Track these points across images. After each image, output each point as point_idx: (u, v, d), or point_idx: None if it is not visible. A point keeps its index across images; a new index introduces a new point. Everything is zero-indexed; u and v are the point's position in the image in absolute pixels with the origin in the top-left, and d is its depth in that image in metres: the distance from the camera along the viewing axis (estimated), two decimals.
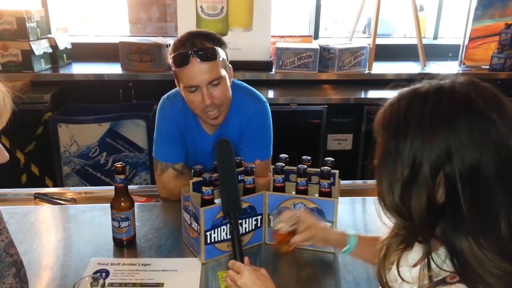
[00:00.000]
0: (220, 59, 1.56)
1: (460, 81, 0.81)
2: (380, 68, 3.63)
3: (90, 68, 3.41)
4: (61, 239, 1.49)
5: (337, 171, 1.43)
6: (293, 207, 1.42)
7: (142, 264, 1.36)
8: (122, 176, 1.39)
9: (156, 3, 5.05)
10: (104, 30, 4.28)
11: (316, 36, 4.01)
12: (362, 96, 3.42)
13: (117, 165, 1.38)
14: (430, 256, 0.80)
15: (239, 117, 1.71)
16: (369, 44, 3.55)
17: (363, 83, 3.57)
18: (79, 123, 3.06)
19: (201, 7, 3.37)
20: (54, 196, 1.72)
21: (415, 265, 0.88)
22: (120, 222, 1.42)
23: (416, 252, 0.90)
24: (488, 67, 3.65)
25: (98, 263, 1.36)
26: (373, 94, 3.45)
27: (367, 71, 3.56)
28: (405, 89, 0.85)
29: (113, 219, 1.42)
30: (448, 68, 3.78)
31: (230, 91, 1.64)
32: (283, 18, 4.15)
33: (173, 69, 1.59)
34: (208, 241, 1.36)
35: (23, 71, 3.15)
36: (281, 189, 1.43)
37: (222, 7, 3.37)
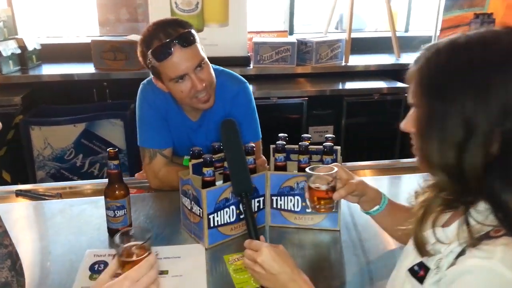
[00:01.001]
0: (198, 41, 1.52)
1: (497, 28, 0.76)
2: (356, 60, 3.66)
3: (61, 69, 3.27)
4: (50, 234, 1.39)
5: (339, 147, 1.40)
6: (297, 186, 1.38)
7: None
8: (115, 162, 1.31)
9: (125, 4, 4.95)
10: (74, 32, 4.14)
11: (291, 32, 4.01)
12: (342, 87, 3.44)
13: (110, 150, 1.30)
14: (468, 213, 0.77)
15: (222, 101, 1.67)
16: (345, 38, 3.57)
17: (340, 75, 3.59)
18: (52, 124, 2.93)
19: (175, 2, 3.30)
20: (38, 192, 1.61)
21: (445, 225, 0.85)
22: (116, 211, 1.33)
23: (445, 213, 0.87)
24: None
25: (94, 255, 1.27)
26: (351, 85, 3.47)
27: (343, 64, 3.58)
28: (438, 43, 0.78)
29: (107, 208, 1.34)
30: None
31: (213, 72, 1.60)
32: (257, 15, 4.13)
33: (152, 65, 1.50)
34: (211, 225, 1.30)
35: None
36: (283, 168, 1.39)
37: (197, 3, 3.31)
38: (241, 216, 1.35)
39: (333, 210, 1.20)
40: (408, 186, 1.75)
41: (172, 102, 1.65)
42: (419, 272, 0.85)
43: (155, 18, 3.24)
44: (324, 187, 1.15)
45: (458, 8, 3.79)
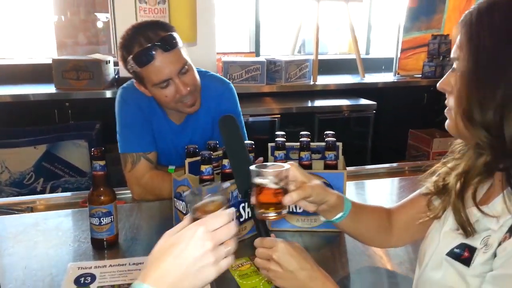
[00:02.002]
0: (181, 44, 1.46)
1: None
2: (323, 80, 3.70)
3: (19, 90, 3.06)
4: (23, 248, 1.21)
5: (340, 143, 1.34)
6: None
7: (134, 264, 1.14)
8: (101, 163, 1.18)
9: (82, 29, 4.81)
10: (30, 54, 3.94)
11: (257, 53, 4.01)
12: (313, 105, 3.44)
13: (95, 150, 1.17)
14: None
15: (207, 103, 1.60)
16: (312, 58, 3.61)
17: (309, 94, 3.61)
18: (11, 146, 2.70)
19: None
20: (4, 207, 1.43)
21: (483, 204, 0.79)
22: (101, 219, 1.19)
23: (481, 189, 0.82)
24: (421, 75, 3.88)
25: (78, 268, 1.11)
26: (321, 103, 3.48)
27: (312, 83, 3.60)
28: None
29: (91, 216, 1.19)
30: (385, 78, 3.96)
31: (198, 75, 1.53)
32: (222, 38, 4.12)
33: (134, 70, 1.44)
34: None
35: None
36: None
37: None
38: (241, 220, 1.25)
39: (282, 216, 0.93)
40: (373, 191, 1.72)
41: (155, 104, 1.57)
42: (463, 254, 0.78)
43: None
44: (272, 186, 0.90)
45: (416, 30, 3.95)
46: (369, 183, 1.75)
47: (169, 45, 1.40)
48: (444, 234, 0.85)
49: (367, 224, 1.08)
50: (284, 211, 0.92)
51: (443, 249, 0.82)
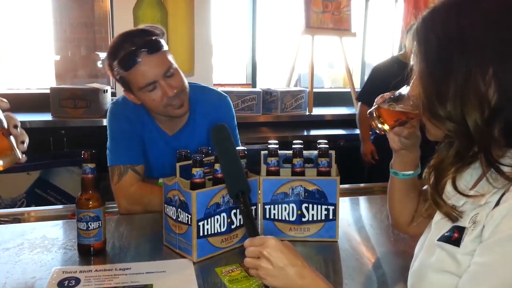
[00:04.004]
0: (166, 48, 1.47)
1: None
2: (318, 111, 3.73)
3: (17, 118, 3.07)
4: (8, 255, 1.17)
5: (333, 151, 1.34)
6: (292, 192, 1.28)
7: (120, 269, 1.11)
8: (91, 165, 1.17)
9: (83, 66, 4.92)
10: (29, 84, 4.00)
11: (254, 85, 4.07)
12: (309, 134, 3.46)
13: (85, 153, 1.16)
14: (495, 161, 0.71)
15: (204, 114, 1.60)
16: (307, 89, 3.67)
17: (305, 124, 3.63)
18: (2, 172, 2.67)
19: None
20: None
21: (472, 188, 0.79)
22: (89, 223, 1.16)
23: (469, 176, 0.82)
24: None
25: (63, 272, 1.08)
26: (317, 132, 3.49)
27: (307, 113, 3.64)
28: (435, 6, 0.80)
29: (79, 220, 1.17)
30: None
31: (185, 79, 1.53)
32: (220, 71, 4.20)
33: (120, 75, 1.44)
34: (201, 234, 1.15)
35: None
36: (276, 173, 1.29)
37: None
38: (233, 226, 1.22)
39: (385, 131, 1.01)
40: (367, 206, 1.70)
41: (145, 115, 1.57)
42: (453, 236, 0.76)
43: None
44: (399, 109, 0.95)
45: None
46: (364, 199, 1.72)
47: (153, 48, 1.41)
48: (436, 224, 0.84)
49: (415, 199, 1.07)
50: (387, 127, 0.99)
51: (435, 237, 0.81)
